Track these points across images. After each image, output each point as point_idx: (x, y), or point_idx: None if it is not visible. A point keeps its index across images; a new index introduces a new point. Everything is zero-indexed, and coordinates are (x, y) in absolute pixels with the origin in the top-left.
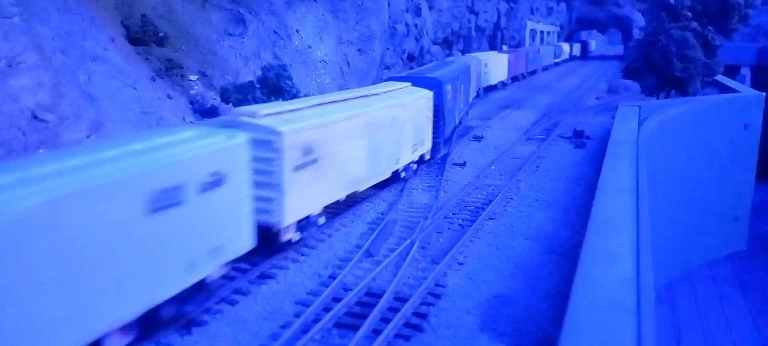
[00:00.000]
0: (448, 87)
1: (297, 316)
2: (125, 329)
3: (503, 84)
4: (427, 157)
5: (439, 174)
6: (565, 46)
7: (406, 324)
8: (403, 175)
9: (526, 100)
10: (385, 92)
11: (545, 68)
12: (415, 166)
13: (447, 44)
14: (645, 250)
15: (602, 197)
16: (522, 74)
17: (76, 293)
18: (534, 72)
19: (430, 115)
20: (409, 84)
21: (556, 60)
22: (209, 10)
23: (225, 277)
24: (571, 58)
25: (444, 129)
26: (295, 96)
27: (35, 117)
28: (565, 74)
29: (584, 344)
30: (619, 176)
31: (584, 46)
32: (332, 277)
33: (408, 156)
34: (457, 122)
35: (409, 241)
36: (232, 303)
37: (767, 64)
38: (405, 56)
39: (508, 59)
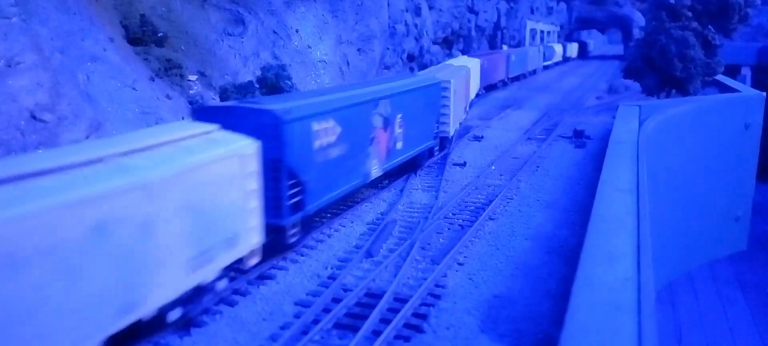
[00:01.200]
0: (324, 126)
1: (296, 317)
2: None
3: (476, 95)
4: (255, 261)
5: (439, 174)
6: (557, 47)
7: (406, 325)
8: (173, 315)
9: (526, 99)
10: (118, 154)
11: (533, 72)
12: (223, 282)
13: (447, 44)
14: (645, 250)
15: (603, 197)
16: (502, 81)
17: None
18: (518, 77)
19: (254, 185)
20: (215, 127)
21: (547, 63)
22: (208, 10)
23: (223, 277)
24: (565, 60)
25: (306, 198)
26: None
27: (34, 117)
28: (565, 74)
29: (585, 344)
30: (620, 175)
31: (582, 46)
32: (332, 278)
33: (170, 287)
34: (382, 171)
35: (409, 241)
36: (232, 304)
37: (767, 64)
38: (405, 56)
39: (479, 66)
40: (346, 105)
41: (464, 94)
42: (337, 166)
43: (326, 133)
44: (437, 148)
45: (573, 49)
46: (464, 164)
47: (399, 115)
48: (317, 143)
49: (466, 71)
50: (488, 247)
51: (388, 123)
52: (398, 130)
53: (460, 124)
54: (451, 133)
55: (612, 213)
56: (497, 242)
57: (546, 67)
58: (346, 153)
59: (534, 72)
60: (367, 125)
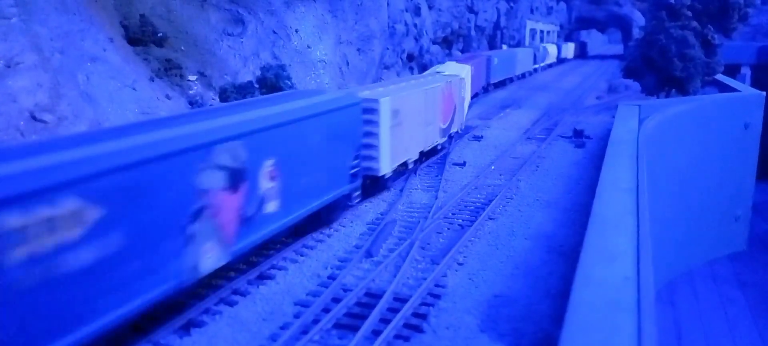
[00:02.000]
0: (40, 216)
1: (296, 317)
2: None
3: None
4: None
5: (438, 174)
6: (551, 48)
7: (406, 325)
8: None
9: (525, 99)
10: None
11: (522, 76)
12: None
13: (446, 44)
14: (645, 249)
15: (602, 197)
16: (483, 88)
17: None
18: (503, 82)
19: None
20: None
21: (538, 65)
22: (208, 10)
23: (224, 277)
24: (560, 61)
25: None
26: None
27: (34, 118)
28: (564, 74)
29: (584, 343)
30: (619, 175)
31: (582, 46)
32: (332, 277)
33: None
34: (231, 255)
35: (408, 241)
36: (231, 304)
37: (767, 63)
38: (404, 56)
39: (470, 72)
40: (115, 167)
41: (435, 111)
42: (92, 280)
43: (51, 227)
44: (358, 193)
45: (569, 49)
46: (464, 164)
47: (269, 162)
48: (18, 253)
49: (441, 83)
50: (488, 247)
51: (241, 178)
52: (267, 186)
53: (423, 152)
54: (387, 171)
55: (612, 212)
56: (497, 242)
57: (536, 70)
58: (123, 249)
59: (523, 76)
60: (184, 191)
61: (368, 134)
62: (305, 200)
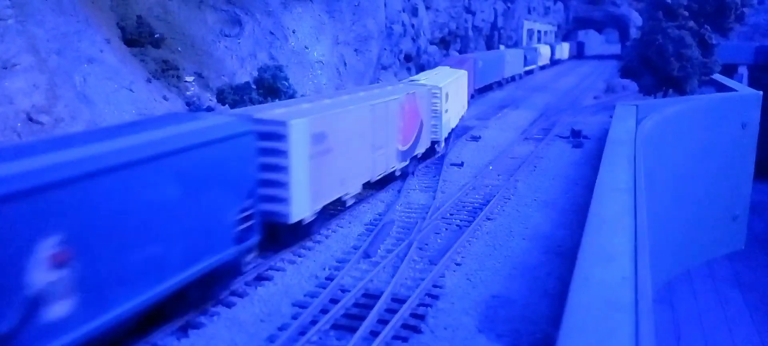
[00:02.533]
0: None
1: (294, 318)
2: None
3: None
4: None
5: (436, 174)
6: (544, 49)
7: (404, 325)
8: None
9: (523, 99)
10: None
11: (511, 79)
12: None
13: (444, 44)
14: (643, 249)
15: (600, 197)
16: (470, 94)
17: None
18: (490, 87)
19: None
20: None
21: (529, 68)
22: (205, 11)
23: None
24: (554, 63)
25: None
26: (291, 96)
27: (30, 119)
28: (562, 74)
29: (582, 344)
30: (617, 175)
31: (579, 46)
32: (330, 278)
33: None
34: None
35: (406, 242)
36: (229, 305)
37: (764, 63)
38: (402, 56)
39: (466, 79)
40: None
41: (389, 131)
42: None
43: None
44: (253, 255)
45: (563, 50)
46: (462, 164)
47: (51, 240)
48: None
49: (399, 96)
50: (486, 247)
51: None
52: (46, 279)
53: (371, 183)
54: (306, 215)
55: (609, 213)
56: (495, 242)
57: (529, 73)
58: None
59: (512, 79)
60: None
61: (273, 168)
62: (139, 285)
